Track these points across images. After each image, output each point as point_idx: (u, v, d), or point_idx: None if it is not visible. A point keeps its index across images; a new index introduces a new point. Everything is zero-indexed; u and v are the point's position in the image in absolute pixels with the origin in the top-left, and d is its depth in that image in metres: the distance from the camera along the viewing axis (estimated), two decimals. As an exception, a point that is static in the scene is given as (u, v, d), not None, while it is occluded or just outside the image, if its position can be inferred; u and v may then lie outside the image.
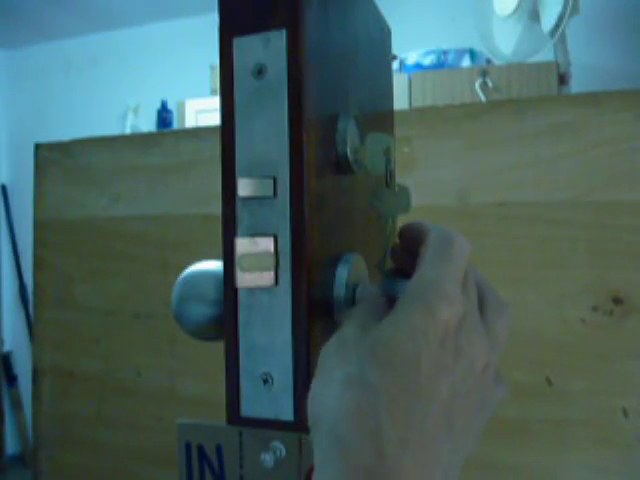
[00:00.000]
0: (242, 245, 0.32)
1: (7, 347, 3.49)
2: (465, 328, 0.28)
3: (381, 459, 0.24)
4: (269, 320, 0.33)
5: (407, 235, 0.35)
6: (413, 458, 0.24)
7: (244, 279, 0.32)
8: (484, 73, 2.11)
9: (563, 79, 1.88)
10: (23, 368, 3.24)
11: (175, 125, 3.05)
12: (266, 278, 0.33)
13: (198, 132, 1.05)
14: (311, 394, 0.29)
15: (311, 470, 0.37)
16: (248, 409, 0.34)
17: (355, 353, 0.28)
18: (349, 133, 0.38)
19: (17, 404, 3.38)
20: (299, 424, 0.33)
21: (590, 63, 2.30)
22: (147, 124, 3.17)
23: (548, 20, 1.63)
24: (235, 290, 0.34)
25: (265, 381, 0.33)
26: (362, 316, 0.31)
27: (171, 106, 3.10)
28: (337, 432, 0.26)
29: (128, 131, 3.14)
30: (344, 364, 0.28)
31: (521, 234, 0.82)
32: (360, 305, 0.33)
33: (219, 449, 0.37)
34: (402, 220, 0.40)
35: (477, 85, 2.09)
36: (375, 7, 0.48)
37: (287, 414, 0.33)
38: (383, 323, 0.28)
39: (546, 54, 1.78)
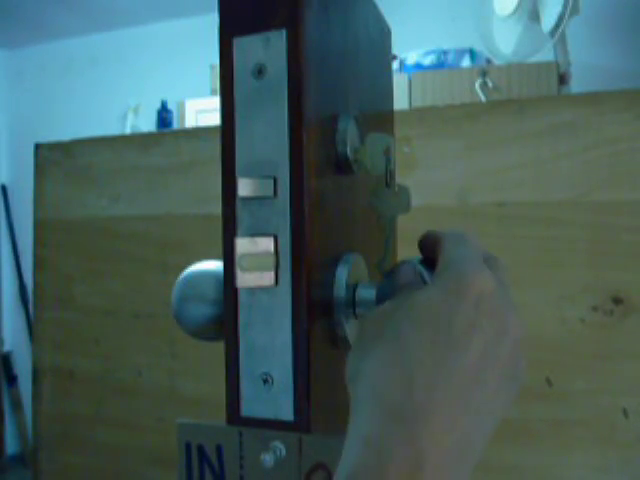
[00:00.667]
0: (242, 245, 0.32)
1: (7, 347, 3.49)
2: (498, 296, 0.30)
3: (410, 401, 0.26)
4: (269, 320, 0.33)
5: (425, 242, 0.36)
6: (440, 402, 0.26)
7: (244, 279, 0.32)
8: (484, 73, 2.11)
9: (563, 79, 1.88)
10: (23, 368, 3.24)
11: (175, 125, 3.04)
12: (266, 278, 0.33)
13: (198, 132, 1.05)
14: (350, 353, 0.31)
15: (311, 470, 0.37)
16: (248, 409, 0.34)
17: (391, 317, 0.30)
18: (349, 133, 0.38)
19: (17, 404, 3.38)
20: (299, 424, 0.33)
21: (590, 63, 2.30)
22: (147, 124, 3.17)
23: (548, 20, 1.63)
24: (235, 290, 0.34)
25: (265, 381, 0.33)
26: (402, 292, 0.32)
27: (171, 106, 3.10)
28: (372, 381, 0.27)
29: (128, 131, 3.13)
30: (380, 326, 0.30)
31: (521, 234, 0.82)
32: (404, 287, 0.33)
33: (219, 449, 0.37)
34: (402, 220, 0.40)
35: (477, 85, 2.09)
36: (375, 7, 0.48)
37: (287, 414, 0.33)
38: (418, 291, 0.30)
39: (546, 54, 1.77)
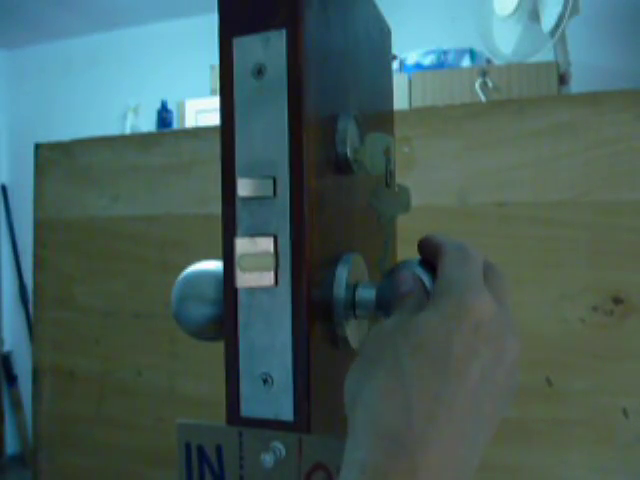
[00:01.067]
0: (242, 245, 0.32)
1: (7, 347, 3.49)
2: (497, 320, 0.30)
3: (409, 431, 0.26)
4: (269, 320, 0.33)
5: (425, 248, 0.36)
6: (439, 432, 0.26)
7: (244, 279, 0.32)
8: (484, 73, 2.11)
9: (563, 79, 1.88)
10: (23, 368, 3.24)
11: (175, 125, 3.04)
12: (266, 278, 0.33)
13: (198, 132, 1.05)
14: (349, 375, 0.31)
15: (311, 470, 0.37)
16: (248, 409, 0.34)
17: (390, 340, 0.30)
18: (349, 133, 0.38)
19: (17, 404, 3.38)
20: (299, 424, 0.33)
21: (590, 63, 2.30)
22: (147, 124, 3.17)
23: (548, 20, 1.63)
24: (235, 290, 0.34)
25: (265, 381, 0.33)
26: (403, 310, 0.32)
27: (171, 106, 3.10)
28: (370, 408, 0.28)
29: (128, 131, 3.13)
30: (380, 350, 0.30)
31: (521, 234, 0.82)
32: (405, 300, 0.33)
33: (219, 449, 0.37)
34: (402, 220, 0.40)
35: (477, 85, 2.09)
36: (375, 7, 0.48)
37: (287, 414, 0.33)
38: (418, 314, 0.30)
39: (546, 54, 1.77)
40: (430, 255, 0.34)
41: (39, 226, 1.15)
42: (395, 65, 2.38)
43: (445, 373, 0.27)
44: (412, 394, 0.27)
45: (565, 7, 1.57)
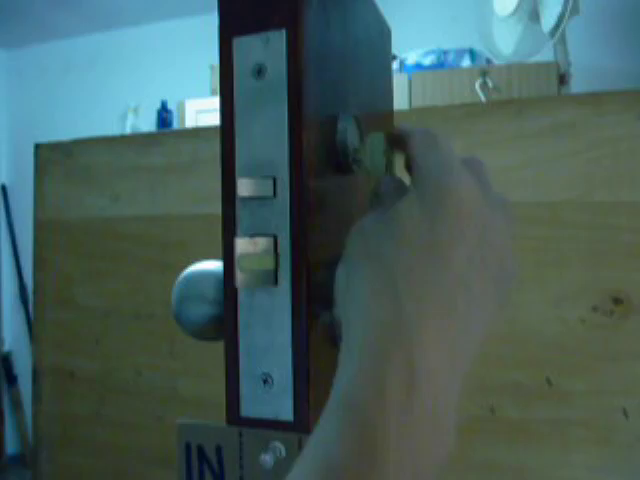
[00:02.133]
0: (242, 245, 0.32)
1: (7, 347, 3.49)
2: (480, 200, 0.29)
3: (397, 313, 0.26)
4: (269, 320, 0.33)
5: (395, 142, 0.35)
6: (428, 311, 0.26)
7: (244, 279, 0.32)
8: (484, 73, 2.11)
9: (563, 79, 1.88)
10: (23, 368, 3.24)
11: (175, 125, 3.05)
12: (266, 278, 0.33)
13: (198, 132, 1.05)
14: (337, 274, 0.31)
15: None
16: (248, 409, 0.34)
17: (373, 233, 0.29)
18: (349, 133, 0.38)
19: (17, 404, 3.38)
20: (299, 424, 0.33)
21: (590, 63, 2.30)
22: (147, 124, 3.17)
23: (548, 20, 1.63)
24: (235, 290, 0.34)
25: (265, 381, 0.33)
26: (383, 204, 0.32)
27: (171, 106, 3.10)
28: (361, 300, 0.28)
29: (128, 131, 3.13)
30: (364, 244, 0.30)
31: (521, 234, 0.82)
32: (379, 198, 0.33)
33: (219, 449, 0.37)
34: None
35: (477, 85, 2.09)
36: (375, 7, 0.48)
37: (287, 414, 0.33)
38: (398, 204, 0.29)
39: (546, 54, 1.78)
40: (401, 148, 0.33)
41: (39, 226, 1.15)
42: (395, 65, 2.38)
43: (430, 260, 0.27)
44: (398, 281, 0.27)
45: (565, 7, 1.57)
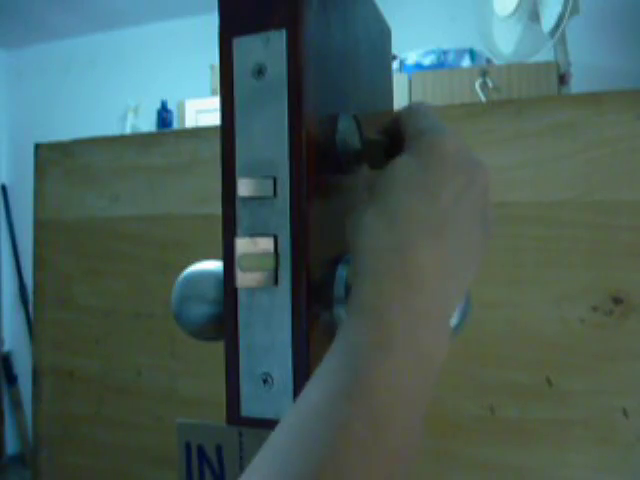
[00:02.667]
0: (242, 245, 0.32)
1: (7, 347, 3.49)
2: (464, 153, 0.35)
3: (396, 239, 0.31)
4: (269, 320, 0.33)
5: (388, 128, 0.39)
6: (423, 235, 0.31)
7: (244, 279, 0.32)
8: (484, 73, 2.11)
9: (563, 79, 1.88)
10: (23, 368, 3.24)
11: (175, 125, 3.05)
12: (266, 278, 0.33)
13: (198, 132, 1.05)
14: (350, 221, 0.34)
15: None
16: (248, 409, 0.34)
17: (376, 184, 0.34)
18: (349, 133, 0.38)
19: (17, 404, 3.38)
20: (299, 424, 0.33)
21: (590, 63, 2.30)
22: (147, 124, 3.17)
23: (548, 20, 1.63)
24: (235, 290, 0.34)
25: (265, 381, 0.33)
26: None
27: (171, 106, 3.10)
28: (366, 230, 0.32)
29: (128, 131, 3.14)
30: (372, 196, 0.34)
31: (521, 234, 0.82)
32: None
33: (219, 449, 0.37)
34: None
35: (477, 85, 2.10)
36: (375, 7, 0.48)
37: (287, 414, 0.33)
38: (396, 158, 0.34)
39: (546, 54, 1.78)
40: (394, 129, 0.37)
41: (39, 226, 1.15)
42: (395, 65, 2.38)
43: (424, 196, 0.32)
44: (396, 215, 0.32)
45: (565, 7, 1.57)
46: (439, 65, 2.39)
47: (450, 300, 0.32)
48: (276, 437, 0.28)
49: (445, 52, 2.41)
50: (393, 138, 0.38)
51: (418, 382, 0.29)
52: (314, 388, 0.29)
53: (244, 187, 0.32)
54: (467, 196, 0.33)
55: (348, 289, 0.37)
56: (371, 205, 0.33)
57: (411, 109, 0.37)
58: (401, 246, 0.31)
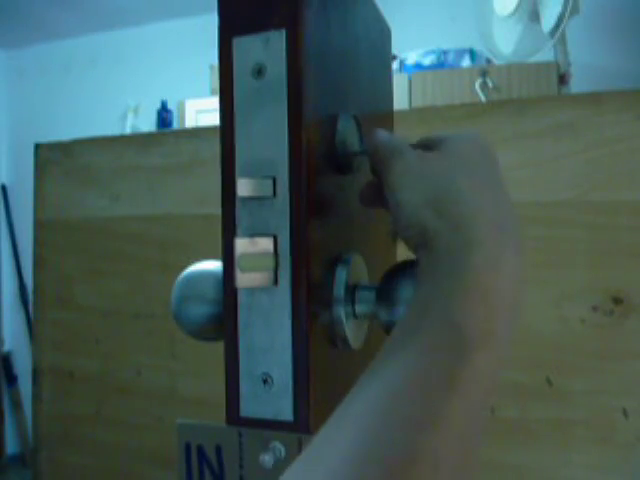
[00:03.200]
0: (242, 245, 0.32)
1: (7, 347, 3.49)
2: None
3: (501, 213, 0.32)
4: (269, 320, 0.33)
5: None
6: (508, 214, 0.33)
7: (244, 279, 0.32)
8: (484, 73, 2.11)
9: (563, 79, 1.88)
10: (23, 368, 3.24)
11: (175, 125, 3.05)
12: (266, 278, 0.33)
13: (198, 132, 1.05)
14: (398, 187, 0.34)
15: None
16: (247, 409, 0.34)
17: (440, 160, 0.34)
18: (349, 133, 0.38)
19: (17, 404, 3.38)
20: (299, 424, 0.33)
21: (590, 63, 2.30)
22: (147, 124, 3.17)
23: (548, 20, 1.63)
24: (235, 290, 0.34)
25: (265, 381, 0.33)
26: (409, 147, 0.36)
27: (171, 106, 3.10)
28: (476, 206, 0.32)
29: (128, 131, 3.13)
30: (433, 167, 0.33)
31: (521, 234, 0.82)
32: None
33: (219, 449, 0.37)
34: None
35: (477, 85, 2.09)
36: (375, 7, 0.48)
37: (287, 414, 0.33)
38: (442, 143, 0.35)
39: (546, 54, 1.77)
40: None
41: (39, 226, 1.15)
42: (395, 65, 2.38)
43: (498, 184, 0.34)
44: (498, 195, 0.33)
45: (565, 7, 1.57)
46: (439, 65, 2.39)
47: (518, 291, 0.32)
48: (362, 417, 0.27)
49: (445, 52, 2.41)
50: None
51: (497, 374, 0.30)
52: (402, 367, 0.28)
53: (244, 187, 0.32)
54: (496, 171, 0.35)
55: (350, 288, 0.37)
56: (460, 171, 0.33)
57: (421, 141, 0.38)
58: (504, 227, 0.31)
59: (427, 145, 0.36)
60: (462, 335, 0.28)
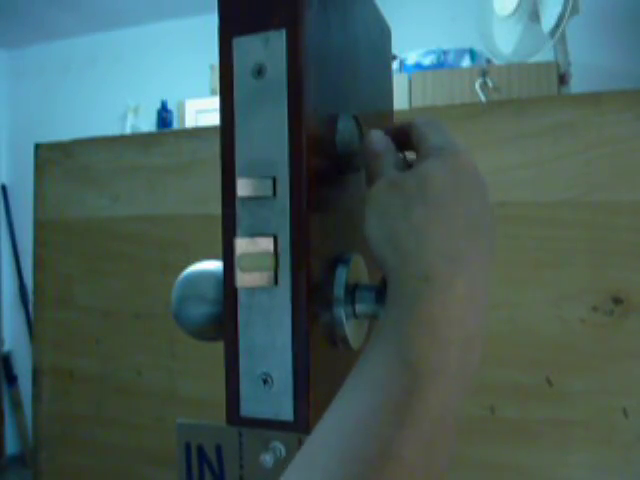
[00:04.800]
0: (242, 245, 0.32)
1: (7, 347, 3.49)
2: (474, 168, 0.35)
3: (455, 245, 0.31)
4: (269, 320, 0.33)
5: (398, 134, 0.38)
6: (475, 242, 0.32)
7: (244, 279, 0.32)
8: (484, 73, 2.11)
9: (563, 79, 1.88)
10: (23, 368, 3.24)
11: (175, 125, 3.05)
12: (266, 278, 0.33)
13: (198, 132, 1.05)
14: (368, 224, 0.34)
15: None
16: (248, 409, 0.34)
17: (407, 186, 0.33)
18: (349, 133, 0.38)
19: (17, 404, 3.38)
20: (299, 424, 0.33)
21: (590, 63, 2.30)
22: (147, 124, 3.17)
23: (548, 20, 1.63)
24: (235, 290, 0.34)
25: (265, 381, 0.33)
26: (388, 168, 0.35)
27: (171, 106, 3.10)
28: (398, 246, 0.32)
29: (128, 131, 3.13)
30: (391, 198, 0.33)
31: (521, 234, 0.82)
32: (382, 157, 0.36)
33: (219, 449, 0.37)
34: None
35: (477, 85, 2.09)
36: (375, 7, 0.48)
37: (287, 414, 0.33)
38: (423, 167, 0.34)
39: (546, 54, 1.77)
40: (405, 137, 0.38)
41: (39, 226, 1.15)
42: (395, 65, 2.38)
43: (461, 206, 0.32)
44: (454, 224, 0.32)
45: (565, 7, 1.57)
46: (439, 65, 2.39)
47: (481, 316, 0.32)
48: (316, 454, 0.28)
49: (445, 52, 2.41)
50: (400, 143, 0.38)
51: (458, 405, 0.30)
52: (357, 403, 0.29)
53: (244, 187, 0.32)
54: (484, 204, 0.34)
55: (350, 288, 0.37)
56: (418, 203, 0.32)
57: (431, 122, 0.38)
58: (459, 257, 0.31)
59: (417, 149, 0.36)
60: (412, 371, 0.29)
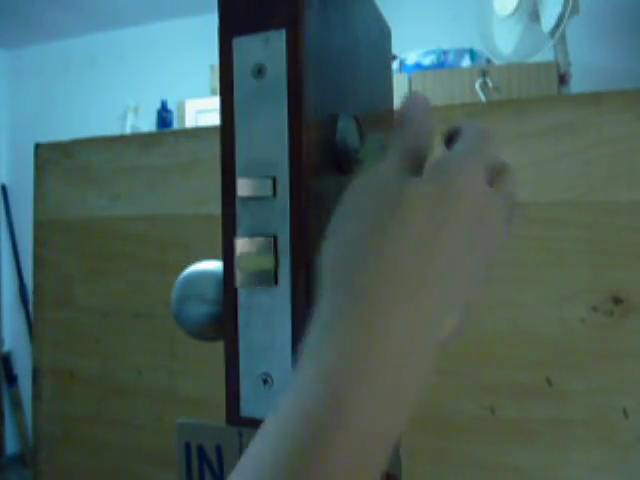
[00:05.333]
0: (242, 245, 0.32)
1: (7, 347, 3.50)
2: (483, 193, 0.31)
3: (395, 268, 0.28)
4: (269, 320, 0.33)
5: (449, 138, 0.35)
6: (424, 272, 0.28)
7: (244, 279, 0.32)
8: (484, 73, 2.11)
9: (563, 79, 1.88)
10: (23, 368, 3.24)
11: (175, 125, 3.05)
12: (266, 278, 0.33)
13: (198, 132, 1.05)
14: (329, 228, 0.31)
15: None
16: (248, 409, 0.34)
17: (372, 198, 0.31)
18: (349, 133, 0.38)
19: (17, 404, 3.38)
20: (299, 424, 0.33)
21: (590, 63, 2.30)
22: (147, 124, 3.17)
23: (548, 20, 1.63)
24: (235, 290, 0.34)
25: (265, 381, 0.33)
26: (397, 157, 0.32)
27: (171, 106, 3.10)
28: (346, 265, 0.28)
29: (128, 131, 3.14)
30: (360, 205, 0.31)
31: (521, 234, 0.82)
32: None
33: (219, 449, 0.37)
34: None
35: (477, 85, 2.10)
36: (375, 7, 0.48)
37: (287, 414, 0.33)
38: (406, 181, 0.30)
39: (546, 54, 1.78)
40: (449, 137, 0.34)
41: (39, 226, 1.15)
42: (395, 65, 2.38)
43: (428, 234, 0.28)
44: (392, 257, 0.28)
45: (565, 7, 1.57)
46: (439, 65, 2.39)
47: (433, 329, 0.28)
48: (247, 464, 0.25)
49: (445, 52, 2.41)
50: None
51: (388, 414, 0.26)
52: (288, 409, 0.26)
53: (244, 187, 0.32)
54: (474, 237, 0.31)
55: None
56: (376, 230, 0.29)
57: (469, 129, 0.33)
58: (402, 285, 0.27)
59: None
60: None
